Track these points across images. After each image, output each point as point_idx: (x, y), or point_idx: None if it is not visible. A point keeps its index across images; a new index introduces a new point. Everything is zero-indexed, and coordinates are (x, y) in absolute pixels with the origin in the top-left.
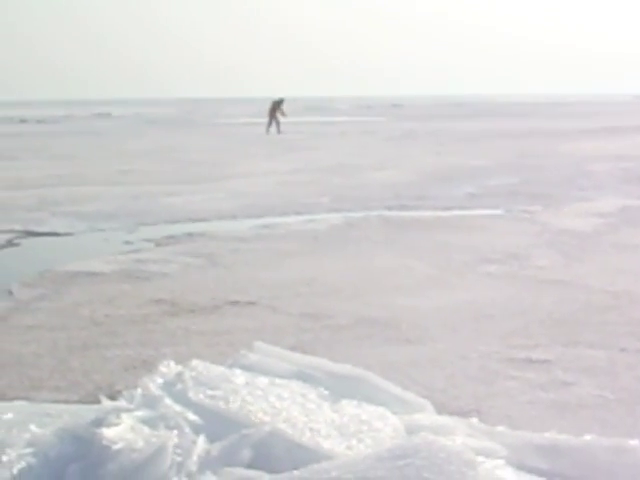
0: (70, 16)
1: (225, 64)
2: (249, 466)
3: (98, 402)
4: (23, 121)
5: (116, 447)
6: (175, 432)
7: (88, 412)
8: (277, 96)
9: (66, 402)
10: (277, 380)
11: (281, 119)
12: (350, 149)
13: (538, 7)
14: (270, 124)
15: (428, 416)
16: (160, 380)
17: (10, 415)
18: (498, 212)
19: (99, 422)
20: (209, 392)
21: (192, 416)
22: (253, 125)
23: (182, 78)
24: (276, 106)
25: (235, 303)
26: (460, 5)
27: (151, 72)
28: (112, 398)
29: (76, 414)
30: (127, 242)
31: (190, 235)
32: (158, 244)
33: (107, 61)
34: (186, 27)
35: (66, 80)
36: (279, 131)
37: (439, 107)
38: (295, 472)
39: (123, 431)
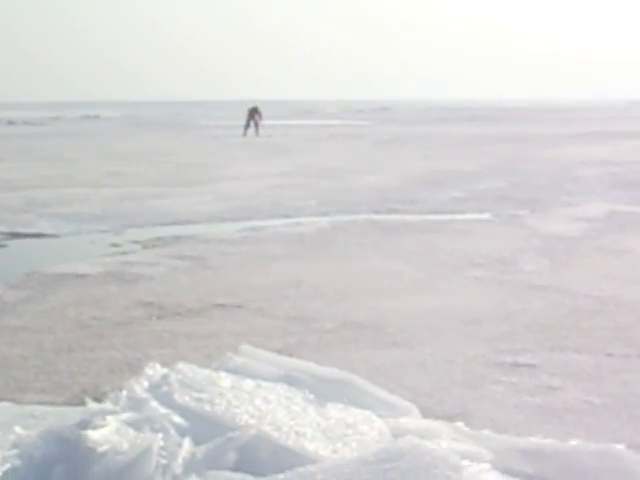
0: (59, 17)
1: (214, 67)
2: (234, 469)
3: (83, 404)
4: (11, 123)
5: (101, 449)
6: (160, 435)
7: (73, 414)
8: (255, 102)
9: (51, 404)
10: (263, 383)
11: (260, 123)
12: (338, 153)
13: (529, 12)
14: (247, 127)
15: (414, 420)
16: (146, 382)
17: None
18: (486, 216)
19: (84, 424)
20: (195, 395)
21: (178, 419)
22: (240, 128)
23: (171, 81)
24: (253, 112)
25: (222, 306)
26: (450, 10)
27: (140, 74)
28: (98, 400)
29: (61, 416)
30: (114, 244)
31: (177, 238)
32: (145, 246)
33: (96, 63)
34: (175, 30)
35: (55, 82)
36: (258, 134)
37: (428, 111)
38: (280, 475)
39: (108, 433)
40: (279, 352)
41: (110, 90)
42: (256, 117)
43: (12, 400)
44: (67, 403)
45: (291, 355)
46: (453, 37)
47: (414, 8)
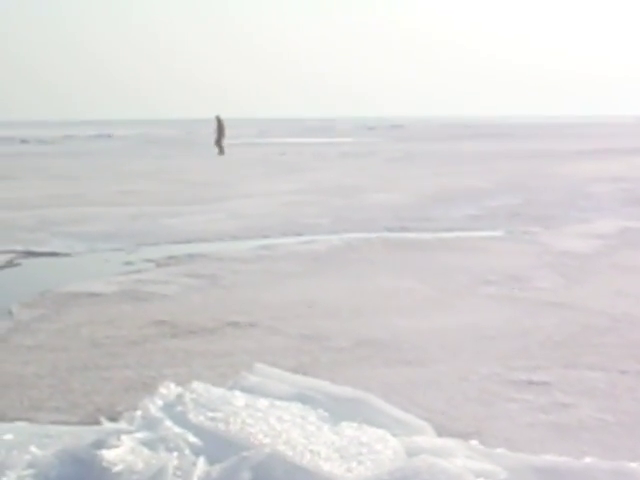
0: (71, 37)
1: (226, 85)
2: None
3: (98, 423)
4: (24, 141)
5: (116, 469)
6: (175, 454)
7: (88, 433)
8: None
9: (66, 423)
10: (277, 402)
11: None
12: (351, 170)
13: (539, 30)
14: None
15: (428, 438)
16: (160, 402)
17: (10, 436)
18: (498, 233)
19: (99, 444)
20: (209, 414)
21: (192, 438)
22: (254, 146)
23: (182, 99)
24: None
25: (235, 324)
26: (462, 28)
27: (152, 93)
28: (112, 419)
29: (76, 435)
30: (127, 263)
31: (191, 256)
32: (159, 265)
33: (109, 82)
34: (187, 49)
35: (68, 101)
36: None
37: (440, 128)
38: None
39: (123, 453)
40: (293, 370)
41: (122, 109)
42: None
43: (27, 419)
44: (82, 422)
45: (305, 374)
46: (464, 55)
47: (426, 27)
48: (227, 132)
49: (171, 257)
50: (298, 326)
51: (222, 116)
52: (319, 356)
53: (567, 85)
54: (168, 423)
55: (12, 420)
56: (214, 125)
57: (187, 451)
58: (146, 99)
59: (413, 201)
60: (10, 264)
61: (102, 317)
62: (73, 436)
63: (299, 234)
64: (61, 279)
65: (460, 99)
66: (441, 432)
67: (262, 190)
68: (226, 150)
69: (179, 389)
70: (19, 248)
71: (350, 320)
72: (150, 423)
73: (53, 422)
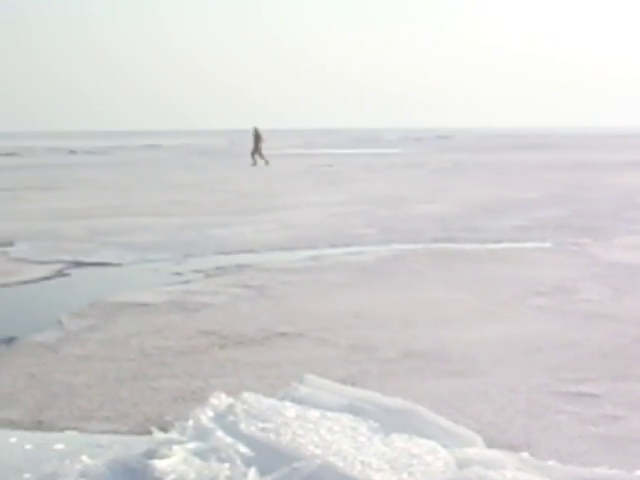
0: (117, 52)
1: (272, 96)
2: None
3: (148, 433)
4: (72, 152)
5: (168, 479)
6: (227, 464)
7: (139, 443)
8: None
9: (116, 433)
10: (328, 413)
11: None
12: (398, 181)
13: (591, 38)
14: (255, 153)
15: (478, 450)
16: (211, 412)
17: (61, 446)
18: (547, 245)
19: (151, 454)
20: (260, 425)
21: (243, 448)
22: (300, 157)
23: (230, 110)
24: (257, 136)
25: (284, 335)
26: (512, 37)
27: (199, 105)
28: (162, 429)
29: (127, 445)
30: (176, 273)
31: (239, 266)
32: (207, 275)
33: (156, 95)
34: (234, 61)
35: (117, 112)
36: (255, 160)
37: (487, 139)
38: None
39: (175, 463)
40: (341, 381)
41: (170, 120)
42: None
43: (76, 429)
44: (131, 432)
45: (353, 384)
46: (512, 65)
47: (474, 37)
48: (274, 143)
49: (219, 268)
50: (346, 337)
51: (260, 127)
52: (368, 367)
53: (620, 94)
54: (220, 433)
55: (62, 430)
56: (256, 137)
57: (238, 461)
58: (193, 110)
59: (460, 212)
60: (59, 274)
61: (151, 327)
62: (124, 446)
63: (347, 245)
64: (110, 289)
65: (508, 110)
66: (490, 444)
67: (309, 201)
68: (272, 161)
69: (230, 399)
70: (68, 258)
71: (398, 331)
72: (202, 433)
73: (103, 432)
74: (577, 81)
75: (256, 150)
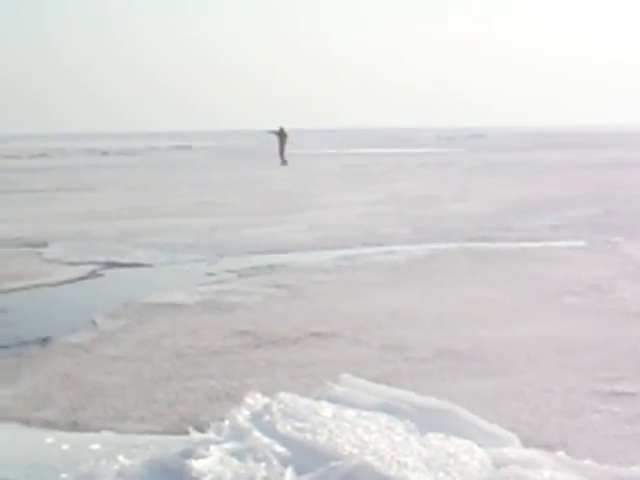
0: (148, 55)
1: (305, 96)
2: None
3: (183, 433)
4: (104, 153)
5: (205, 479)
6: (263, 464)
7: (175, 443)
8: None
9: (151, 433)
10: (364, 413)
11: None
12: (431, 180)
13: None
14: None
15: (515, 449)
16: (247, 412)
17: (97, 446)
18: (580, 243)
19: (188, 454)
20: (297, 424)
21: (280, 448)
22: (333, 156)
23: (262, 110)
24: (282, 135)
25: (317, 334)
26: (541, 37)
27: (230, 104)
28: (197, 429)
29: (163, 445)
30: (209, 273)
31: (271, 266)
32: (240, 275)
33: (187, 94)
34: (266, 61)
35: (147, 113)
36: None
37: (520, 138)
38: None
39: (212, 463)
40: (375, 381)
41: (200, 121)
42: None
43: (111, 429)
44: (166, 432)
45: (387, 384)
46: (545, 63)
47: (503, 34)
48: (308, 143)
49: (252, 267)
50: (380, 336)
51: (285, 127)
52: (401, 366)
53: None
54: (256, 433)
55: (97, 430)
56: (279, 136)
57: (275, 461)
58: (224, 111)
59: (494, 211)
60: (93, 275)
61: (184, 327)
62: (160, 446)
63: (379, 244)
64: (143, 290)
65: (542, 109)
66: (526, 443)
67: (342, 200)
68: (306, 161)
69: (266, 399)
70: (101, 259)
71: (432, 330)
72: (238, 433)
73: (138, 432)
74: (620, 77)
75: (283, 149)
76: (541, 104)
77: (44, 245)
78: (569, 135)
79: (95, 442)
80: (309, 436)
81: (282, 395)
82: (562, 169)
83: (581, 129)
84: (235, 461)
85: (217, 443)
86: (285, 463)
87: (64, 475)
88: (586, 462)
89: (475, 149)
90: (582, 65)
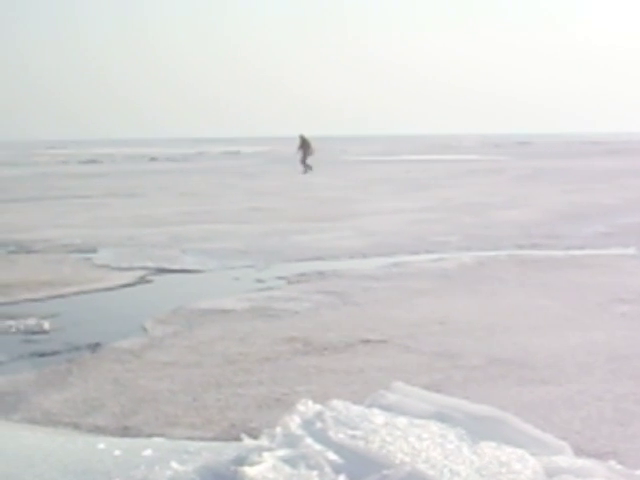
0: (197, 59)
1: (352, 103)
2: None
3: (234, 439)
4: (153, 159)
5: None
6: (316, 472)
7: (228, 450)
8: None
9: (201, 439)
10: (416, 420)
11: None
12: (478, 187)
13: None
14: (304, 160)
15: (567, 458)
16: (299, 419)
17: (149, 452)
18: (630, 251)
19: (241, 460)
20: (349, 432)
21: (332, 456)
22: (379, 163)
23: (310, 117)
24: (304, 143)
25: (367, 342)
26: (589, 45)
27: (278, 111)
28: (248, 435)
29: (216, 451)
30: (258, 280)
31: (321, 273)
32: (289, 282)
33: (236, 101)
34: (312, 67)
35: (196, 119)
36: (305, 168)
37: (567, 145)
38: None
39: (265, 470)
40: (426, 388)
41: (248, 127)
42: (307, 149)
43: (162, 435)
44: (216, 438)
45: (438, 391)
46: (592, 71)
47: (551, 40)
48: (354, 149)
49: (302, 274)
50: (430, 344)
51: (307, 135)
52: (452, 374)
53: None
54: (308, 440)
55: (148, 436)
56: (303, 144)
57: (327, 469)
58: (272, 117)
59: (543, 218)
60: (142, 281)
61: (234, 334)
62: (212, 452)
63: (428, 252)
64: (193, 296)
65: (588, 116)
66: (577, 452)
67: (389, 207)
68: (353, 167)
69: (318, 406)
70: (151, 265)
71: (482, 338)
72: (290, 440)
73: (188, 438)
74: None
75: (305, 157)
76: (582, 112)
77: (94, 251)
78: (612, 143)
79: (147, 448)
80: (361, 444)
81: (334, 402)
82: (612, 176)
83: (625, 137)
84: (288, 468)
85: (269, 450)
86: (337, 470)
87: None
88: (638, 472)
89: (523, 156)
90: (624, 75)
